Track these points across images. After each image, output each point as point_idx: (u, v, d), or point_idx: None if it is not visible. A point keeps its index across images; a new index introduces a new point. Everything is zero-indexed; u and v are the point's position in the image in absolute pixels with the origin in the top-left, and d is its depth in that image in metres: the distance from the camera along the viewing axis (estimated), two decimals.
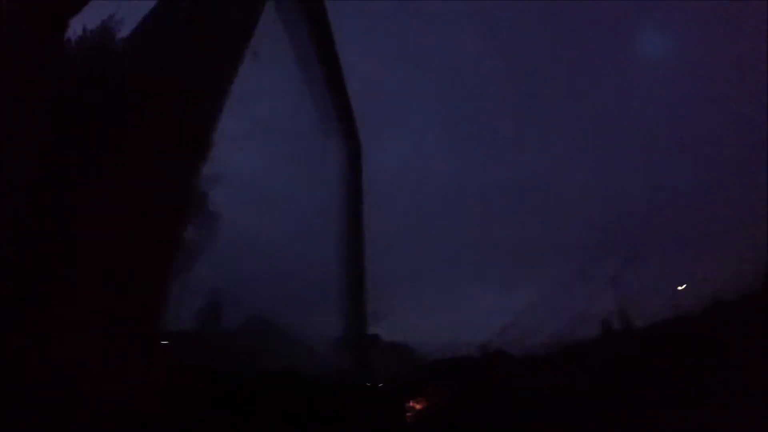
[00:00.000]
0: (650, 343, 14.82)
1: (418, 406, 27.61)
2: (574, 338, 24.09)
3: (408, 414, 26.67)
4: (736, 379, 8.53)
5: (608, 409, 11.92)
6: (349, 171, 5.60)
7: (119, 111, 5.49)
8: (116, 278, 4.52)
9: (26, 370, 3.81)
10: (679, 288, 21.69)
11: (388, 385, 34.24)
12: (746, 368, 8.56)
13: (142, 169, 5.42)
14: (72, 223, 4.69)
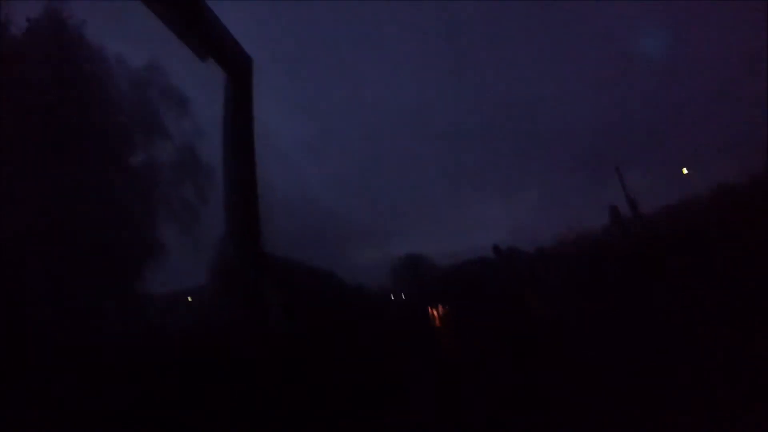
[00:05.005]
0: (659, 227, 14.72)
1: (437, 313, 29.20)
2: (583, 229, 24.27)
3: (431, 320, 28.24)
4: (743, 259, 8.43)
5: (620, 296, 12.10)
6: (235, 88, 5.05)
7: None
8: None
9: None
10: (684, 172, 21.05)
11: (410, 296, 35.94)
12: (752, 249, 8.41)
13: None
14: None
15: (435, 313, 29.69)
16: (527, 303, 22.47)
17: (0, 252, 7.85)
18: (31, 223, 8.42)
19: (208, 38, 4.52)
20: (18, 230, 7.97)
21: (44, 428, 3.69)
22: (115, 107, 12.16)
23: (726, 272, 8.92)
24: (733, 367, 3.66)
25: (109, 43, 12.80)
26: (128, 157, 12.48)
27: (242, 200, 4.65)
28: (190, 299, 13.73)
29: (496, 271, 31.70)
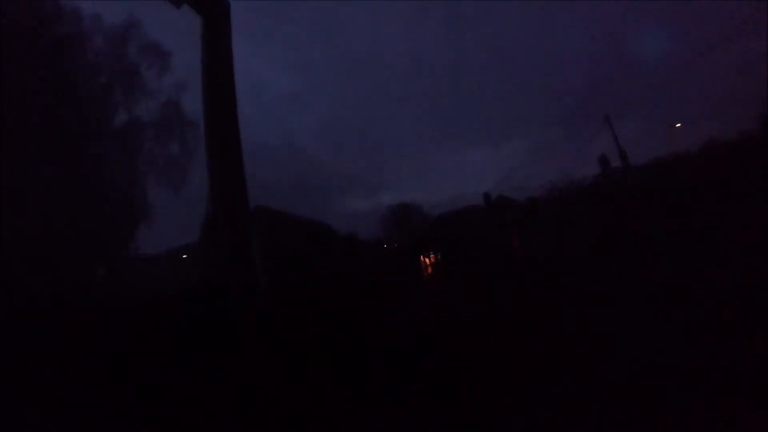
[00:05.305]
0: (647, 178, 14.74)
1: (428, 261, 29.79)
2: (572, 178, 24.37)
3: (423, 267, 28.84)
4: (736, 213, 8.43)
5: (609, 242, 12.31)
6: (212, 34, 4.76)
7: None
8: None
9: None
10: (676, 126, 20.87)
11: (402, 244, 36.44)
12: (744, 202, 8.41)
13: None
14: None
15: (426, 261, 30.33)
16: (515, 250, 22.89)
17: None
18: (20, 189, 8.21)
19: None
20: (6, 197, 7.79)
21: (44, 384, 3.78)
22: (94, 68, 11.49)
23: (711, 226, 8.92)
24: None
25: (85, 2, 12.00)
26: (111, 118, 11.96)
27: (225, 149, 4.47)
28: (185, 257, 13.70)
29: (486, 219, 32.14)
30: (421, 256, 31.62)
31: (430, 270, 28.79)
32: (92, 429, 2.88)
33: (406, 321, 7.67)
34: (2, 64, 8.02)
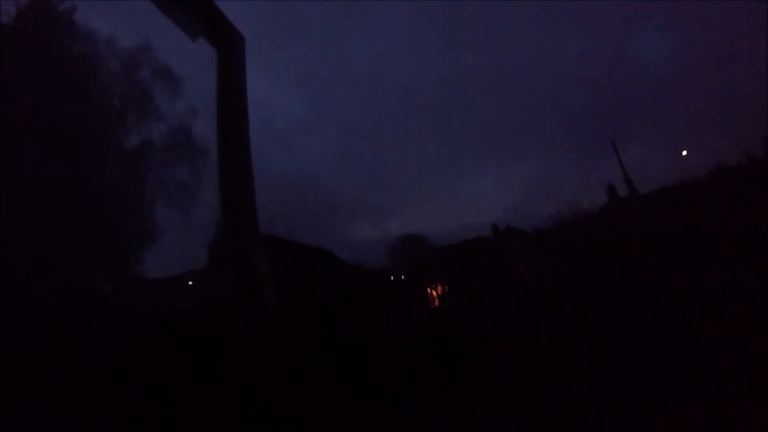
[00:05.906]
0: (657, 207, 14.71)
1: (435, 293, 29.49)
2: (580, 208, 24.26)
3: (429, 301, 28.51)
4: (743, 238, 8.34)
5: (620, 274, 12.17)
6: (227, 68, 5.12)
7: None
8: None
9: None
10: (683, 153, 21.09)
11: (408, 276, 36.17)
12: (754, 229, 8.34)
13: None
14: None
15: (434, 293, 30.06)
16: (523, 280, 22.60)
17: None
18: (28, 208, 8.47)
19: (199, 18, 4.53)
20: (15, 216, 8.04)
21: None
22: (107, 90, 12.07)
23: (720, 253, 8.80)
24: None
25: (99, 25, 12.68)
26: (123, 140, 12.43)
27: (237, 181, 4.67)
28: (191, 283, 13.81)
29: (494, 249, 31.93)
30: (429, 289, 31.38)
31: (437, 303, 28.57)
32: (92, 429, 2.90)
33: (415, 344, 7.64)
34: (17, 76, 8.44)
